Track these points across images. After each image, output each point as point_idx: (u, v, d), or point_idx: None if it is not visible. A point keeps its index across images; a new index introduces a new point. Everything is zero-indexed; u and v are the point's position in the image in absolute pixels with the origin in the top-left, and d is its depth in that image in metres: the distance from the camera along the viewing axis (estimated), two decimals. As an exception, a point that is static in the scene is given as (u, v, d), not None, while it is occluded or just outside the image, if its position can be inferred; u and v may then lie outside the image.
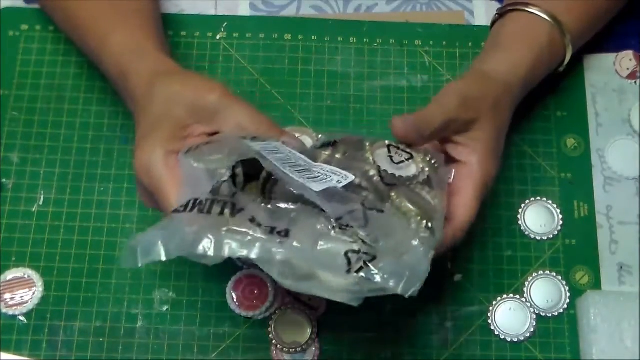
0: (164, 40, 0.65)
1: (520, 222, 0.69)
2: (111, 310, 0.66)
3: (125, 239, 0.68)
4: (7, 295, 0.66)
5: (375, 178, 0.52)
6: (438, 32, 0.76)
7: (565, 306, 0.66)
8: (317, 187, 0.49)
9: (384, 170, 0.53)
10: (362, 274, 0.45)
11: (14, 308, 0.66)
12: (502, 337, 0.65)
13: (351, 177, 0.51)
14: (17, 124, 0.72)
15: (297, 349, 0.64)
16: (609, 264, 0.68)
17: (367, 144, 0.55)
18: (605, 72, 0.74)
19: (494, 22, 0.68)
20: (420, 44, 0.76)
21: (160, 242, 0.47)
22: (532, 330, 0.65)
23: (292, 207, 0.49)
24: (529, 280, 0.67)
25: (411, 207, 0.51)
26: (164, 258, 0.46)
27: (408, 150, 0.55)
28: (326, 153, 0.54)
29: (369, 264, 0.45)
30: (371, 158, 0.54)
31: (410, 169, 0.54)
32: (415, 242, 0.48)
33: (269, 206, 0.50)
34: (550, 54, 0.66)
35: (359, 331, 0.66)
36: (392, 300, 0.65)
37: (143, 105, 0.57)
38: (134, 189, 0.68)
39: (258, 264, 0.46)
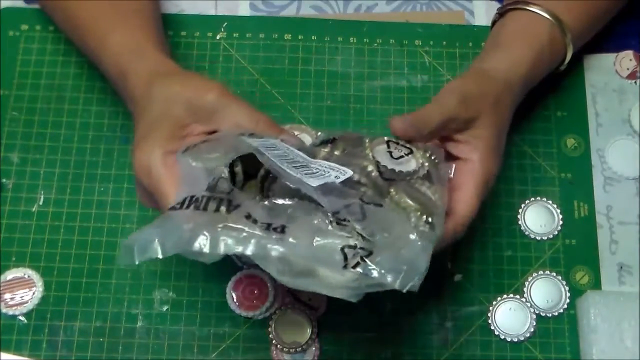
0: (163, 40, 0.65)
1: (520, 222, 0.69)
2: (111, 310, 0.66)
3: (125, 239, 0.67)
4: (7, 295, 0.66)
5: (373, 173, 0.52)
6: (438, 32, 0.76)
7: (565, 306, 0.66)
8: (314, 182, 0.48)
9: (383, 165, 0.52)
10: (358, 269, 0.45)
11: (14, 308, 0.66)
12: (502, 337, 0.65)
13: (349, 173, 0.50)
14: (17, 124, 0.72)
15: (297, 349, 0.64)
16: (609, 264, 0.68)
17: (367, 141, 0.55)
18: (605, 72, 0.74)
19: (494, 22, 0.68)
20: (420, 44, 0.76)
21: (156, 240, 0.47)
22: (532, 330, 0.65)
23: (289, 202, 0.49)
24: (529, 280, 0.67)
25: (410, 202, 0.51)
26: (160, 255, 0.46)
27: (407, 146, 0.55)
28: (325, 150, 0.54)
29: (366, 259, 0.45)
30: (370, 154, 0.53)
31: (410, 164, 0.54)
32: (413, 236, 0.47)
33: (266, 203, 0.50)
34: (550, 53, 0.65)
35: (359, 331, 0.65)
36: (392, 300, 0.66)
37: (142, 105, 0.57)
38: (134, 189, 0.68)
39: (255, 260, 0.46)
